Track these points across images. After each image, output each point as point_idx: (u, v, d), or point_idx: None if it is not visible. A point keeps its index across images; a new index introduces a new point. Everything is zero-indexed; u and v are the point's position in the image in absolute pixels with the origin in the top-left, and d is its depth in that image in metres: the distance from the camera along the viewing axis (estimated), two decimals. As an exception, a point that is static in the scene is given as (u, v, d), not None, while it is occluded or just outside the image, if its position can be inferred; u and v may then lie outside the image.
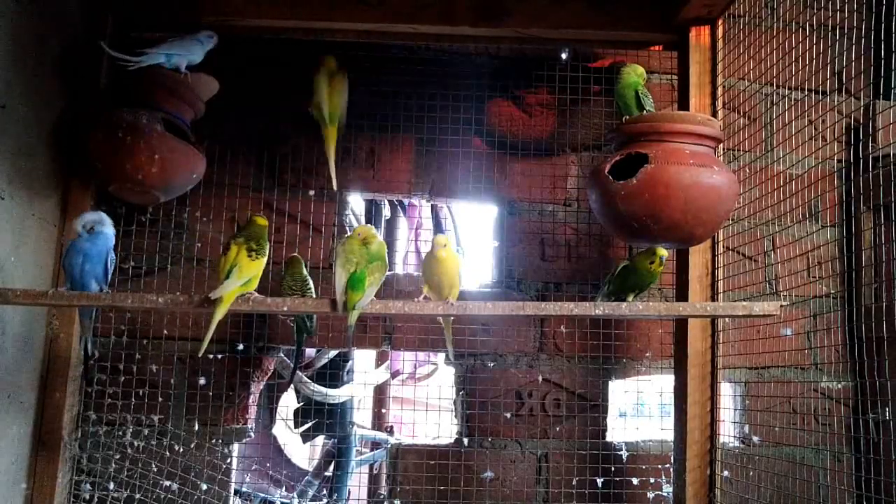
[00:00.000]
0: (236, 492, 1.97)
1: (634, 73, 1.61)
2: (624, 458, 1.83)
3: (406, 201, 2.41)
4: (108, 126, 1.49)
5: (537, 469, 1.85)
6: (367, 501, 2.19)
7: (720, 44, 1.71)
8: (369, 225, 1.47)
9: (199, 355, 1.52)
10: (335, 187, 1.71)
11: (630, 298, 1.51)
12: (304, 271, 1.60)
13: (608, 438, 1.86)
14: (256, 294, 1.38)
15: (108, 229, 1.42)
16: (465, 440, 1.84)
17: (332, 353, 2.18)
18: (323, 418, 2.10)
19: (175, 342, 1.79)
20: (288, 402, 2.33)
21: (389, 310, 1.41)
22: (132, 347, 1.76)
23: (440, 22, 1.71)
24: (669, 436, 1.73)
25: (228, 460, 1.77)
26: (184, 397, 1.77)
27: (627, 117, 1.57)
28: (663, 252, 1.46)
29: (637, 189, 1.38)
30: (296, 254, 1.67)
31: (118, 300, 1.39)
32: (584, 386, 1.87)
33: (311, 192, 1.87)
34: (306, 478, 2.37)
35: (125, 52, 1.47)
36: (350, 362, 2.25)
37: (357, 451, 2.32)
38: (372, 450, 2.44)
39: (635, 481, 1.82)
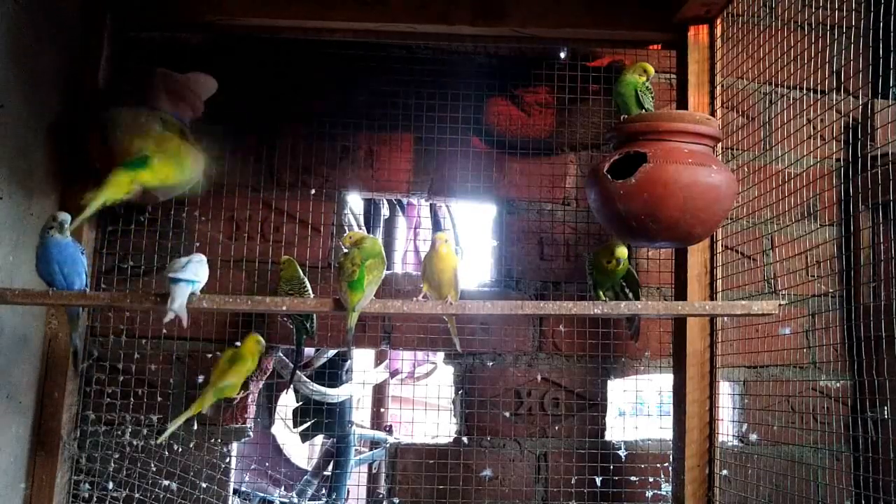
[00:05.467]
0: (235, 491, 1.97)
1: (629, 72, 1.61)
2: (623, 457, 1.83)
3: (405, 201, 2.41)
4: (106, 126, 1.49)
5: (536, 468, 1.85)
6: (367, 501, 2.19)
7: (719, 43, 1.71)
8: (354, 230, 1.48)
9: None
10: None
11: (601, 294, 1.53)
12: (300, 273, 1.59)
13: (607, 437, 1.86)
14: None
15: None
16: (464, 439, 1.84)
17: (331, 352, 2.18)
18: (322, 417, 2.10)
19: (174, 342, 1.79)
20: (287, 402, 2.34)
21: (388, 309, 1.41)
22: (131, 347, 1.76)
23: (439, 21, 1.71)
24: (668, 435, 1.73)
25: (227, 460, 1.77)
26: (183, 397, 1.77)
27: (626, 116, 1.57)
28: (622, 253, 1.45)
29: (636, 188, 1.38)
30: (289, 256, 1.66)
31: (118, 300, 1.39)
32: (583, 385, 1.87)
33: (311, 192, 1.87)
34: (305, 477, 2.37)
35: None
36: (349, 362, 2.25)
37: (356, 450, 2.32)
38: (371, 449, 2.44)
39: (634, 480, 1.82)
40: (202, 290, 1.37)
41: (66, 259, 1.35)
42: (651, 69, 1.62)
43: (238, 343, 1.78)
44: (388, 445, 1.92)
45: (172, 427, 1.53)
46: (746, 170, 1.75)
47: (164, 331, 1.78)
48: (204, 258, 1.41)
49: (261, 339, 1.63)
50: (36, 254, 1.35)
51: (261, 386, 1.90)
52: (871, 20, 1.53)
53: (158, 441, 1.63)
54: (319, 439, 2.45)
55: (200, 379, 1.76)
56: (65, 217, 1.36)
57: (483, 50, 1.95)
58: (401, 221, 2.49)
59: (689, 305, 1.56)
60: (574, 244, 1.91)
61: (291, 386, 2.07)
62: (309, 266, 1.82)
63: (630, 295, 1.58)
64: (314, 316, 1.65)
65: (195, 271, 1.36)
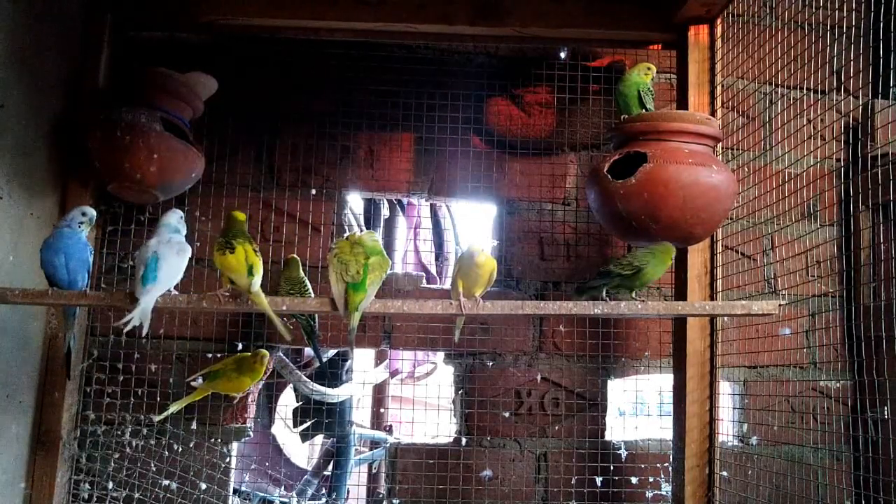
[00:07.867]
0: (235, 491, 1.97)
1: (634, 72, 1.61)
2: (623, 457, 1.83)
3: (405, 200, 2.41)
4: (106, 125, 1.49)
5: (536, 468, 1.85)
6: (367, 500, 2.19)
7: (719, 43, 1.71)
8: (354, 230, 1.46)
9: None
10: None
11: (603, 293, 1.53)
12: (301, 273, 1.59)
13: (607, 437, 1.86)
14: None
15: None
16: (464, 439, 1.84)
17: (331, 352, 2.18)
18: (322, 417, 2.10)
19: (174, 341, 1.78)
20: (287, 402, 2.34)
21: (388, 309, 1.41)
22: (131, 347, 1.76)
23: (439, 21, 1.71)
24: (668, 435, 1.73)
25: (227, 459, 1.77)
26: (183, 396, 1.76)
27: (626, 116, 1.57)
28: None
29: (636, 188, 1.38)
30: (293, 255, 1.66)
31: (118, 300, 1.39)
32: (583, 385, 1.87)
33: (312, 192, 1.87)
34: (305, 477, 2.37)
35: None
36: (349, 361, 2.25)
37: (356, 450, 2.32)
38: (371, 449, 2.44)
39: (634, 480, 1.82)
40: (203, 287, 1.37)
41: (73, 253, 1.34)
42: (654, 69, 1.63)
43: (240, 345, 1.79)
44: (388, 445, 1.92)
45: (173, 407, 1.55)
46: (746, 170, 1.75)
47: (164, 331, 1.78)
48: (172, 237, 1.35)
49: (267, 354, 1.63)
50: (45, 243, 1.35)
51: (261, 386, 1.90)
52: (871, 20, 1.53)
53: (157, 419, 1.68)
54: (319, 439, 2.45)
55: (201, 380, 1.76)
56: (94, 214, 1.38)
57: (483, 50, 1.95)
58: (401, 221, 2.49)
59: (689, 305, 1.56)
60: (574, 244, 1.91)
61: (291, 385, 2.07)
62: (309, 266, 1.82)
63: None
64: (315, 315, 1.65)
65: (166, 270, 1.29)
